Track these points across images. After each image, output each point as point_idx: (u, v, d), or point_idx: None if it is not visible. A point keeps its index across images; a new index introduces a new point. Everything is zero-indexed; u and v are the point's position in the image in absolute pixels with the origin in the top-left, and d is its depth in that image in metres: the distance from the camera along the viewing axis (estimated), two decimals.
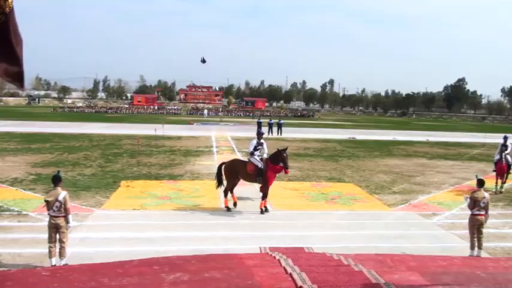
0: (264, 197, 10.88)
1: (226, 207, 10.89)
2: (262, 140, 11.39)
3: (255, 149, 11.14)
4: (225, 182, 11.33)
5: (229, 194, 11.06)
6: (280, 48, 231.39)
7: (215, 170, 11.80)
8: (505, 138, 14.58)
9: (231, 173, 11.14)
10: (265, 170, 10.74)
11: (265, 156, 11.17)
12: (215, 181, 11.53)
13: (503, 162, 14.07)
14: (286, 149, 10.80)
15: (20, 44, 3.30)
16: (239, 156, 20.75)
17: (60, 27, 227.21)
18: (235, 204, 11.04)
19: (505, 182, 14.31)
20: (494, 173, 14.37)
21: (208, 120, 57.71)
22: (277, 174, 11.32)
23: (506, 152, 14.22)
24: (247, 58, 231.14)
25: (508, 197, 13.56)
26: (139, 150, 20.33)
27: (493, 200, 11.62)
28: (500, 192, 13.87)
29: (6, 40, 3.16)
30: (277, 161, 10.73)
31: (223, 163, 11.57)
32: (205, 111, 78.67)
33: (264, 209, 10.77)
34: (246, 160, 11.45)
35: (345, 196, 12.92)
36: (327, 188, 13.97)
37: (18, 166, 16.30)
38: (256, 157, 11.02)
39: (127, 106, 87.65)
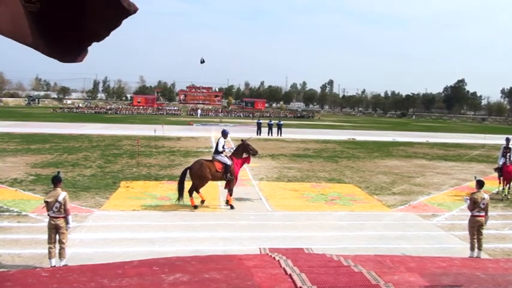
0: (231, 193, 11.17)
1: (194, 206, 10.86)
2: (228, 138, 11.84)
3: (223, 147, 11.38)
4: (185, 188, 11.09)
5: (193, 192, 11.05)
6: (280, 49, 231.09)
7: None
8: (508, 140, 14.03)
9: (203, 175, 10.95)
10: (232, 167, 11.18)
11: (227, 151, 11.56)
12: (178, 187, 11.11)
13: (508, 164, 13.48)
14: (246, 140, 11.63)
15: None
16: None
17: None
18: (202, 202, 11.09)
19: (510, 188, 13.68)
20: (501, 178, 13.79)
21: (207, 121, 57.69)
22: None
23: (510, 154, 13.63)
24: (247, 59, 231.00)
25: (508, 198, 13.52)
26: (139, 151, 20.31)
27: (492, 202, 11.63)
28: (507, 198, 13.23)
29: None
30: (241, 154, 11.48)
31: (188, 168, 11.27)
32: (199, 111, 79.33)
33: (231, 205, 11.05)
34: (211, 159, 11.46)
35: (344, 197, 12.92)
36: (327, 189, 13.96)
37: (18, 167, 16.30)
38: (222, 155, 11.29)
39: (120, 107, 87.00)
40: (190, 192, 11.00)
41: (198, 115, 75.20)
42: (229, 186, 11.22)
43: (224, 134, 11.76)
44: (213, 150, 11.95)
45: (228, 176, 11.12)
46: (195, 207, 10.89)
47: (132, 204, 11.12)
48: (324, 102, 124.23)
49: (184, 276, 5.54)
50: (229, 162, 11.16)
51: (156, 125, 32.69)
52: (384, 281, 5.40)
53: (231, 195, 11.17)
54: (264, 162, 18.95)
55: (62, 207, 6.91)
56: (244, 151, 11.61)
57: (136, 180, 14.44)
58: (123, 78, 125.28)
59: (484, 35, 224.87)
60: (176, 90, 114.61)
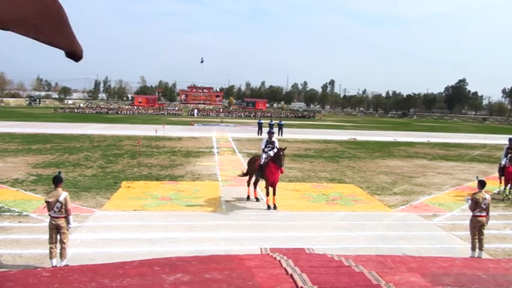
0: (274, 193, 11.25)
1: (255, 198, 12.11)
2: (273, 139, 11.96)
3: (266, 147, 11.72)
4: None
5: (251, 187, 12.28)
6: (280, 49, 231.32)
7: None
8: (511, 140, 13.99)
9: (250, 167, 12.25)
10: (264, 167, 11.29)
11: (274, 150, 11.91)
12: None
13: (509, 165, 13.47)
14: (285, 148, 11.34)
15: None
16: (240, 157, 20.80)
17: None
18: (248, 197, 12.16)
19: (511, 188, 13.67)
20: (502, 178, 13.86)
21: (208, 121, 57.69)
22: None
23: None
24: (248, 59, 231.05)
25: (509, 198, 13.50)
26: (140, 151, 20.33)
27: (494, 202, 11.61)
28: (508, 199, 13.26)
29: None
30: (275, 160, 11.33)
31: (251, 157, 12.91)
32: (195, 111, 79.28)
33: (273, 205, 11.21)
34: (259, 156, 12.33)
35: (345, 197, 12.91)
36: (328, 189, 13.96)
37: (19, 167, 16.32)
38: (264, 154, 11.65)
39: (121, 107, 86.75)
40: (255, 185, 12.23)
41: (195, 115, 75.23)
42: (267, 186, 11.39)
43: (268, 133, 12.23)
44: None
45: (257, 174, 11.76)
46: (257, 199, 12.01)
47: (133, 205, 11.13)
48: (325, 102, 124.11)
49: (185, 276, 5.54)
50: (261, 161, 11.58)
51: (157, 125, 32.73)
52: (385, 281, 5.39)
53: (267, 195, 11.29)
54: None
55: (63, 207, 6.92)
56: (276, 159, 11.10)
57: (137, 180, 14.45)
58: (124, 78, 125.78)
59: (484, 34, 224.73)
60: (177, 90, 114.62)
